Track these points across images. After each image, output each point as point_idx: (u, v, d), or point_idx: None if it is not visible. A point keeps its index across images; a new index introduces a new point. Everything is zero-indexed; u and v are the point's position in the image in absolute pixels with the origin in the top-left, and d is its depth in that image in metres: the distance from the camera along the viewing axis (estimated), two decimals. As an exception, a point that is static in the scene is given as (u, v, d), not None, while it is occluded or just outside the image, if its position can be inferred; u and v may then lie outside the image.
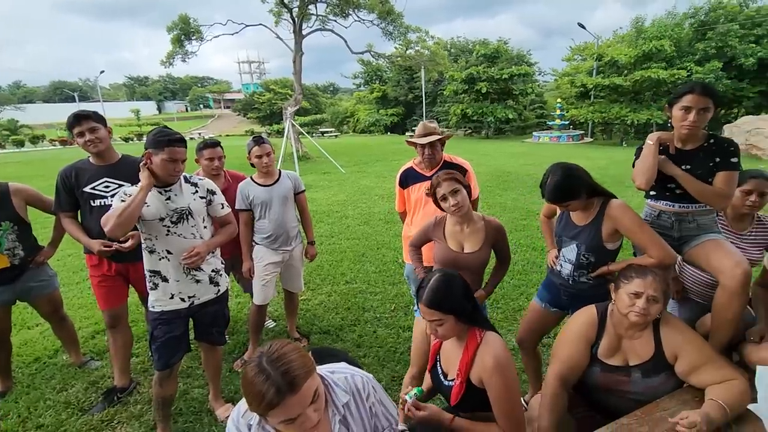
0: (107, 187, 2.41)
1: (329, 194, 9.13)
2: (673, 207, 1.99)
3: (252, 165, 2.87)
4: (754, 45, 20.76)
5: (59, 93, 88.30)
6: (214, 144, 2.95)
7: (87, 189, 2.40)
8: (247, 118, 55.87)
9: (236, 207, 2.83)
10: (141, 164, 1.99)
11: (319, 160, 15.13)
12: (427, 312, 1.52)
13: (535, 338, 2.33)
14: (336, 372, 1.32)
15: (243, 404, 1.22)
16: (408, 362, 2.71)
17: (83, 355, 3.06)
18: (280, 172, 2.97)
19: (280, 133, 15.80)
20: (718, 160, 1.87)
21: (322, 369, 1.30)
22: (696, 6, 22.67)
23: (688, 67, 20.65)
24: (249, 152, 2.82)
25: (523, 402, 2.36)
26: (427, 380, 1.86)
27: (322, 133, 36.85)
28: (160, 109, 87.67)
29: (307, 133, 17.34)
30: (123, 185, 2.28)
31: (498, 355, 1.50)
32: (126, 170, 2.43)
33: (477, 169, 11.49)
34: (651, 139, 1.93)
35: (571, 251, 2.00)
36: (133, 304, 3.06)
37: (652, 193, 2.05)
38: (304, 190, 3.10)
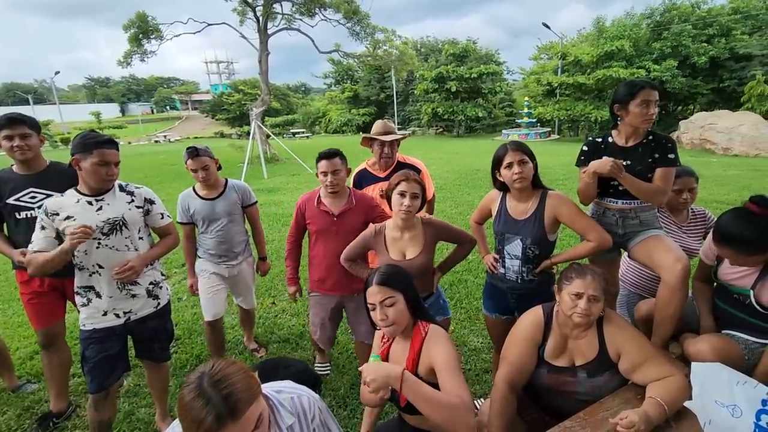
0: (33, 197, 2.23)
1: (296, 196, 8.88)
2: (617, 204, 2.03)
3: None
4: (706, 44, 21.88)
5: (12, 95, 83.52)
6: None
7: (11, 201, 2.21)
8: (216, 120, 54.53)
9: (177, 220, 2.61)
10: (69, 234, 1.74)
11: (287, 161, 14.90)
12: (379, 291, 1.51)
13: None
14: (282, 392, 1.26)
15: (176, 425, 1.11)
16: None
17: (18, 378, 2.84)
18: (226, 183, 2.69)
19: (249, 134, 15.46)
20: (657, 156, 1.91)
21: (267, 388, 1.24)
22: (652, 7, 23.72)
23: (646, 66, 21.55)
24: (185, 163, 2.56)
25: (476, 404, 2.34)
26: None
27: (294, 134, 36.39)
28: (123, 111, 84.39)
29: (278, 134, 17.07)
30: (50, 195, 2.10)
31: (442, 335, 1.54)
32: (54, 179, 2.25)
33: (446, 167, 11.53)
34: (588, 177, 1.93)
35: (516, 247, 2.00)
36: (71, 320, 2.87)
37: (597, 190, 2.06)
38: (255, 202, 2.83)
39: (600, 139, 2.07)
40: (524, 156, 1.90)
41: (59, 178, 2.21)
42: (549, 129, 25.00)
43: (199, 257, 2.75)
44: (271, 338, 3.35)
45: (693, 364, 1.53)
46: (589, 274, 1.58)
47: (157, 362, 2.27)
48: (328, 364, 2.89)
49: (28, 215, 2.21)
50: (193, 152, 2.50)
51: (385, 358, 1.71)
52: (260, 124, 14.70)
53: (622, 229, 2.04)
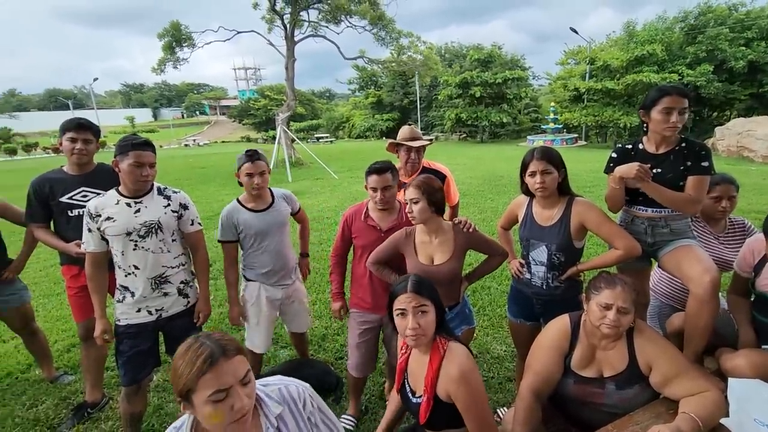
0: (85, 196, 2.36)
1: (320, 200, 9.08)
2: (647, 212, 1.97)
3: (240, 183, 2.35)
4: (744, 48, 20.97)
5: (54, 101, 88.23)
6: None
7: (64, 199, 2.34)
8: (243, 125, 55.95)
9: (219, 238, 2.38)
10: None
11: (312, 166, 15.11)
12: (414, 298, 1.50)
13: None
14: (269, 385, 1.29)
15: (186, 419, 1.17)
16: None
17: (56, 369, 2.98)
18: (272, 194, 2.47)
19: (275, 139, 15.80)
20: (689, 163, 1.85)
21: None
22: (686, 10, 22.90)
23: (680, 71, 20.84)
24: (239, 168, 2.30)
25: (500, 413, 2.30)
26: (395, 400, 1.82)
27: (318, 138, 36.87)
28: (155, 116, 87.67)
29: (303, 138, 17.37)
30: (100, 193, 2.20)
31: (462, 364, 1.48)
32: (103, 179, 2.38)
33: (470, 173, 11.44)
34: (614, 183, 1.90)
35: (541, 253, 1.98)
36: (111, 316, 2.99)
37: (626, 198, 2.02)
38: (300, 206, 2.66)
39: (630, 146, 2.02)
40: (548, 166, 1.87)
41: (107, 178, 2.33)
42: (576, 135, 24.45)
43: (249, 280, 2.46)
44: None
45: (730, 379, 1.47)
46: (618, 285, 1.54)
47: (185, 359, 2.33)
48: (354, 422, 2.43)
49: (80, 212, 2.32)
50: (254, 155, 2.29)
51: (404, 369, 1.71)
52: (286, 129, 15.00)
53: (652, 237, 1.98)
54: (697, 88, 20.49)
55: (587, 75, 23.61)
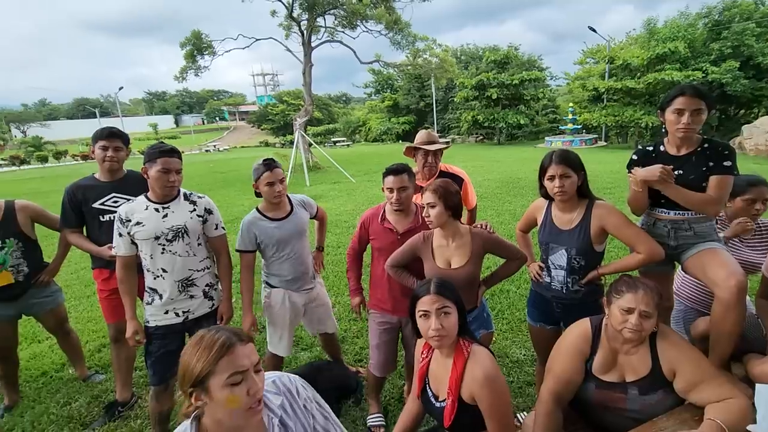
0: (116, 202, 2.48)
1: (338, 204, 9.17)
2: (669, 214, 1.94)
3: (257, 194, 2.34)
4: (772, 43, 20.20)
5: (82, 109, 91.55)
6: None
7: (96, 205, 2.47)
8: (261, 130, 56.91)
9: (237, 247, 2.38)
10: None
11: (329, 169, 15.25)
12: (437, 299, 1.53)
13: None
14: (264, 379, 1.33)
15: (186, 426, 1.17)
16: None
17: (88, 368, 3.11)
18: (290, 202, 2.48)
19: (293, 143, 16.02)
20: (711, 164, 1.82)
21: None
22: (709, 6, 22.22)
23: (703, 68, 20.21)
24: (257, 179, 2.28)
25: (519, 417, 2.29)
26: (410, 411, 1.82)
27: (335, 142, 37.15)
28: (177, 123, 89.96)
29: (320, 143, 17.54)
30: (129, 199, 2.30)
31: (487, 367, 1.51)
32: (132, 185, 2.50)
33: (487, 176, 11.33)
34: (636, 186, 1.90)
35: (560, 257, 1.97)
36: (140, 318, 3.10)
37: (648, 200, 1.99)
38: (318, 207, 2.69)
39: (651, 148, 2.00)
40: (567, 169, 1.86)
41: (136, 185, 2.44)
42: (595, 136, 23.97)
43: (273, 287, 2.48)
44: (315, 341, 3.45)
45: (758, 385, 1.44)
46: (641, 289, 1.53)
47: (210, 360, 2.40)
48: (382, 416, 2.47)
49: (111, 218, 2.44)
50: (272, 163, 2.29)
51: (425, 373, 1.72)
52: (303, 134, 15.20)
53: (675, 240, 1.95)
54: (723, 86, 19.84)
55: (606, 74, 23.15)
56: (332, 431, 1.38)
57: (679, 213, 1.91)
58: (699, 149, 1.86)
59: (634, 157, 2.01)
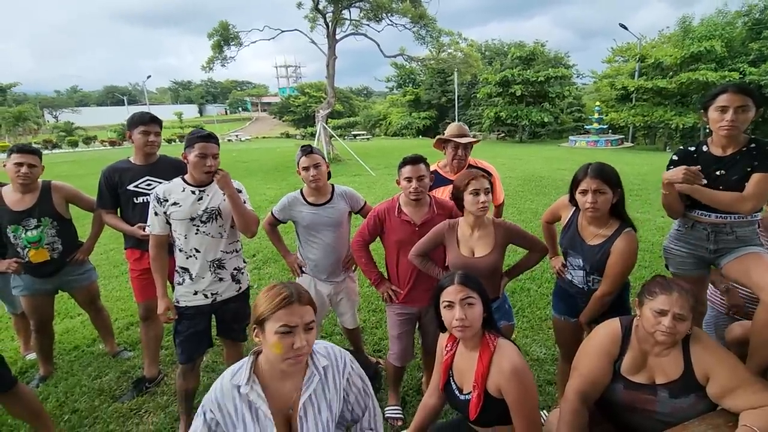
0: (149, 185, 2.56)
1: (358, 197, 9.18)
2: (710, 217, 1.88)
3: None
4: (817, 44, 19.23)
5: (111, 97, 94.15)
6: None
7: (130, 187, 2.55)
8: (283, 121, 57.46)
9: (273, 210, 2.53)
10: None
11: (349, 162, 15.29)
12: (462, 289, 1.54)
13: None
14: (318, 343, 1.48)
15: (231, 370, 1.37)
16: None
17: (117, 345, 3.23)
18: (333, 189, 2.51)
19: (313, 135, 16.12)
20: (756, 163, 1.75)
21: None
22: (750, 4, 21.25)
23: (741, 69, 19.40)
24: (297, 163, 2.43)
25: (543, 415, 2.28)
26: (427, 405, 1.82)
27: (355, 135, 37.20)
28: (201, 112, 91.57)
29: (340, 135, 17.59)
30: (161, 182, 2.37)
31: (514, 361, 1.51)
32: (164, 169, 2.59)
33: (509, 173, 11.18)
34: (664, 189, 1.84)
35: (578, 262, 1.95)
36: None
37: (686, 202, 1.94)
38: (365, 203, 2.65)
39: (693, 148, 1.93)
40: (603, 185, 1.75)
41: (169, 169, 2.53)
42: (622, 136, 23.34)
43: (303, 272, 2.58)
44: (334, 330, 3.49)
45: (797, 394, 1.39)
46: (675, 290, 1.48)
47: (235, 341, 2.45)
48: (400, 409, 2.50)
49: (144, 200, 2.53)
50: (308, 149, 2.42)
51: (449, 366, 1.72)
52: (325, 126, 15.27)
53: (714, 244, 1.89)
54: (761, 88, 19.02)
55: (636, 73, 22.47)
56: (369, 405, 1.54)
57: (720, 216, 1.85)
58: (745, 149, 1.79)
59: (675, 157, 1.95)
